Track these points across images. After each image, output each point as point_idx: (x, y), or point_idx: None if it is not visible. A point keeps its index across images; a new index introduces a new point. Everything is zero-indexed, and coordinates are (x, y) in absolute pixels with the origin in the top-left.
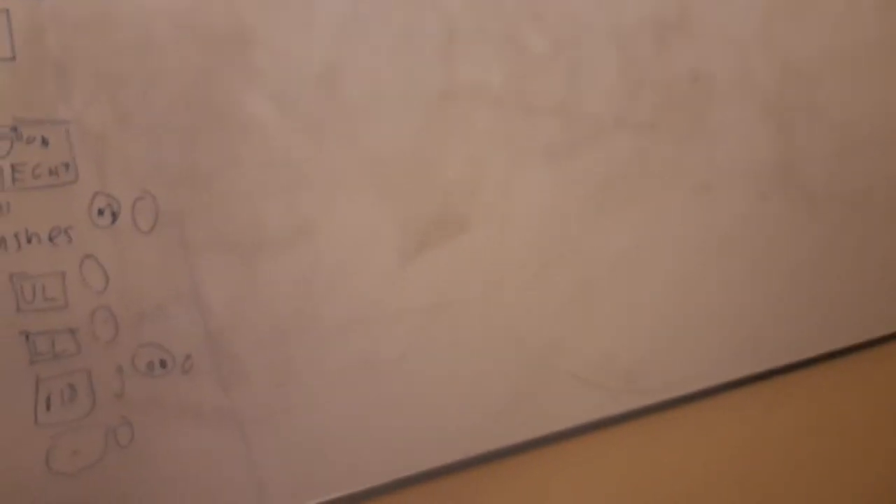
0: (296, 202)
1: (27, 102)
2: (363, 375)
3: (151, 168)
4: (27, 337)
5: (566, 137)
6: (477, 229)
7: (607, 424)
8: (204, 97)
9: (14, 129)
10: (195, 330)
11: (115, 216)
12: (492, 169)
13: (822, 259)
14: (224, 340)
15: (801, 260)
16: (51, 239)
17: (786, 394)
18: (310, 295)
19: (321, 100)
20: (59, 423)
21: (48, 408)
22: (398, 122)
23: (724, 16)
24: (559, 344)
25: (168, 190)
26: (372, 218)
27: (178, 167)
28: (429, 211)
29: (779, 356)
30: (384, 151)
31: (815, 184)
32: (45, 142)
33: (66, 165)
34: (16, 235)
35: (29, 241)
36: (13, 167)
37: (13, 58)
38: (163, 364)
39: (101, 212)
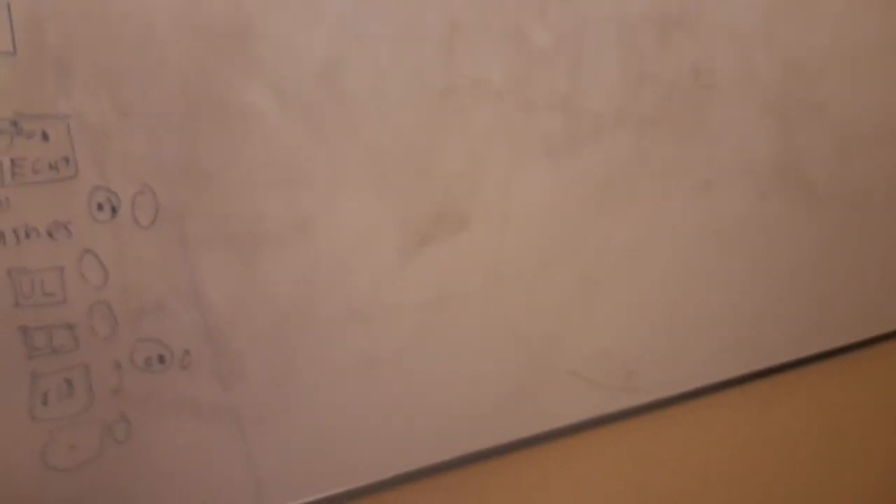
0: (296, 198)
1: (27, 97)
2: (362, 372)
3: (151, 163)
4: (25, 332)
5: (567, 133)
6: (477, 226)
7: (606, 422)
8: (204, 91)
9: (14, 123)
10: (194, 326)
11: (114, 211)
12: (492, 165)
13: (822, 258)
14: (223, 336)
15: (801, 258)
16: (50, 234)
17: (783, 392)
18: (309, 291)
19: (322, 95)
20: (56, 419)
21: (45, 403)
22: (399, 117)
23: (727, 12)
24: (558, 341)
25: (168, 185)
26: (372, 214)
27: (179, 162)
28: (429, 207)
29: (777, 354)
30: (385, 147)
31: (816, 182)
32: (45, 136)
33: (66, 160)
34: (14, 230)
35: (28, 235)
36: (13, 161)
37: (13, 52)
38: (161, 360)
39: (100, 206)
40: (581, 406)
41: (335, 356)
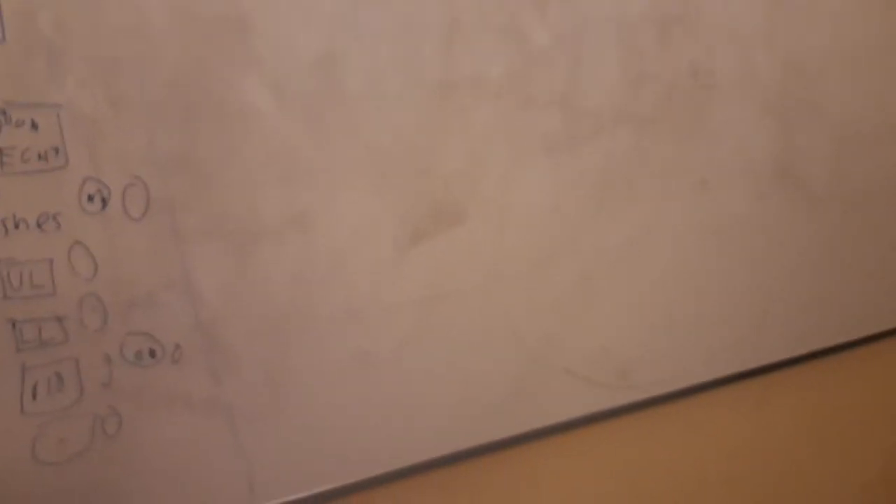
0: (291, 191)
1: (17, 85)
2: (358, 369)
3: (144, 155)
4: (13, 324)
5: (566, 131)
6: (475, 222)
7: (601, 419)
8: (200, 85)
9: (3, 112)
10: (186, 319)
11: (104, 202)
12: (491, 162)
13: (819, 257)
14: (215, 331)
15: (799, 257)
16: (39, 225)
17: (780, 390)
18: (304, 286)
19: (319, 91)
20: (45, 412)
21: (34, 396)
22: (398, 114)
23: (726, 12)
24: (556, 339)
25: (160, 177)
26: (369, 209)
27: (171, 154)
28: (427, 203)
29: (773, 353)
30: (382, 142)
31: (814, 182)
32: (34, 125)
33: (56, 150)
34: (3, 221)
35: (17, 226)
36: (1, 151)
37: (3, 39)
38: (152, 353)
39: (90, 198)
40: (577, 403)
41: (331, 353)
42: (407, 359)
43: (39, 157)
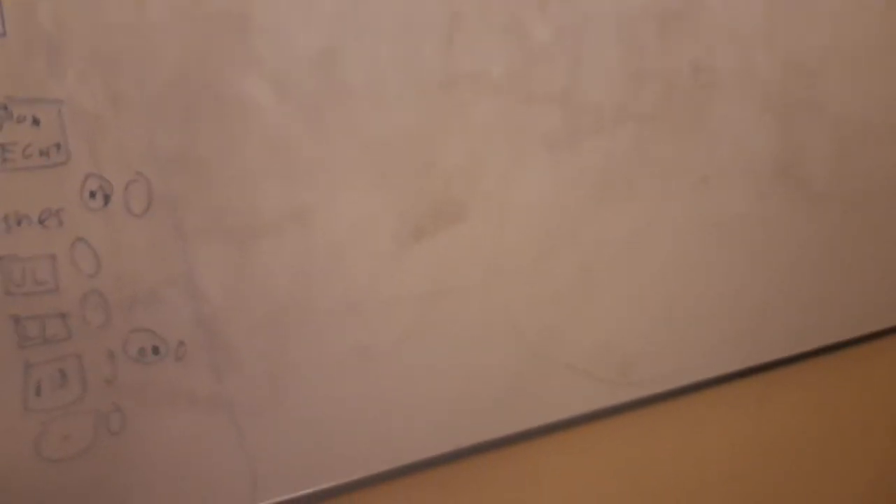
0: (292, 187)
1: (18, 80)
2: (359, 364)
3: (145, 150)
4: (16, 321)
5: (567, 127)
6: (476, 218)
7: (603, 416)
8: (200, 80)
9: (4, 107)
10: (188, 316)
11: (107, 199)
12: (491, 157)
13: (820, 254)
14: (217, 327)
15: (799, 255)
16: (41, 221)
17: (781, 387)
18: (305, 282)
19: (320, 86)
20: (48, 409)
21: (38, 393)
22: (398, 108)
23: (727, 10)
24: (556, 334)
25: (162, 173)
26: (369, 205)
27: (173, 150)
28: (427, 199)
29: (773, 350)
30: (383, 138)
31: (815, 180)
32: (36, 121)
33: (58, 146)
34: (5, 217)
35: (19, 223)
36: (3, 147)
37: (4, 34)
38: (155, 350)
39: (92, 194)
40: (579, 399)
41: (332, 348)
42: (407, 354)
43: (41, 153)
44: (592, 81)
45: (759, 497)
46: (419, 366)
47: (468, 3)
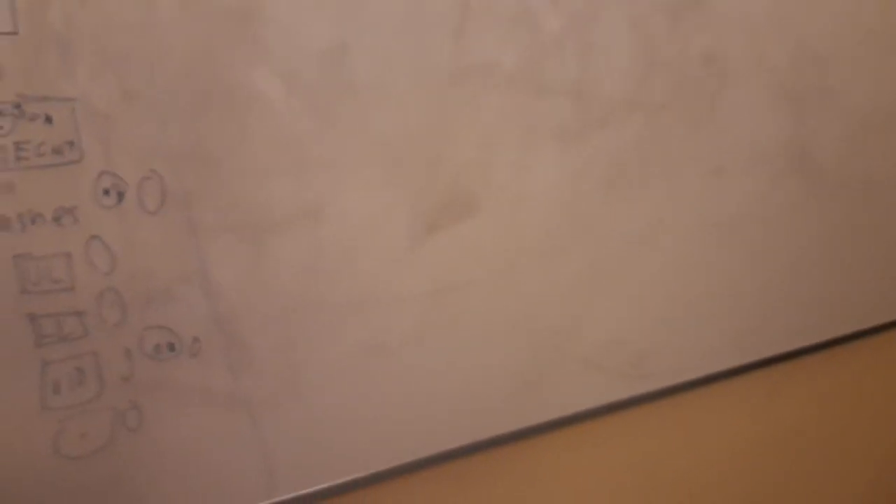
0: (304, 183)
1: (31, 79)
2: (372, 359)
3: (158, 147)
4: (33, 319)
5: (578, 119)
6: (487, 212)
7: (615, 409)
8: (211, 76)
9: (17, 105)
10: (203, 313)
11: (121, 196)
12: (502, 150)
13: (834, 245)
14: (232, 323)
15: (812, 245)
16: (56, 219)
17: (793, 379)
18: (318, 277)
19: (329, 80)
20: (66, 407)
21: (56, 391)
22: (408, 101)
23: None
24: (568, 328)
25: (175, 169)
26: (381, 199)
27: (186, 147)
28: (439, 193)
29: (787, 342)
30: (394, 131)
31: (828, 169)
32: (48, 119)
33: (71, 144)
34: (20, 216)
35: (33, 221)
36: (17, 145)
37: (15, 32)
38: (171, 347)
39: (106, 192)
40: (591, 393)
41: (346, 344)
42: (421, 349)
43: (55, 150)
44: (603, 72)
45: (771, 489)
46: (433, 360)
47: None
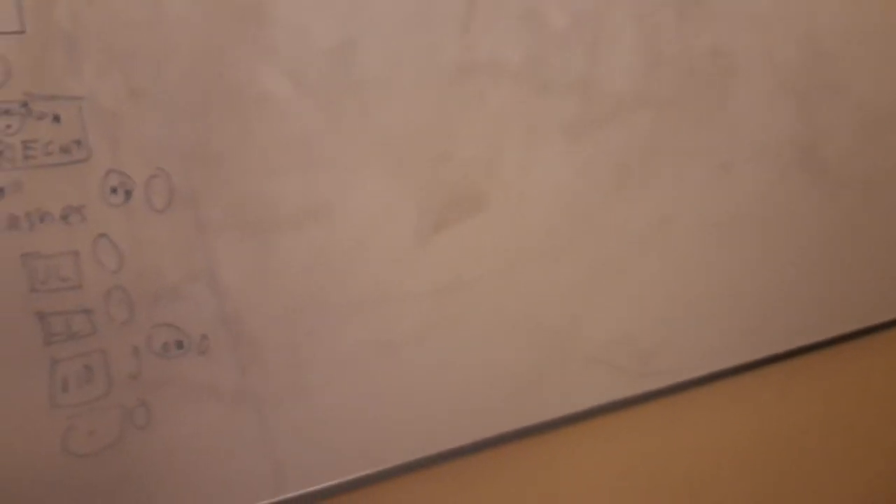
0: (311, 180)
1: (38, 77)
2: (377, 357)
3: (165, 146)
4: (42, 318)
5: (585, 114)
6: (494, 208)
7: (622, 406)
8: (218, 72)
9: (24, 104)
10: (211, 310)
11: (128, 194)
12: (509, 147)
13: (842, 240)
14: (240, 321)
15: (821, 241)
16: (64, 218)
17: (801, 376)
18: (325, 275)
19: (336, 77)
20: (75, 405)
21: (65, 389)
22: (414, 98)
23: None
24: (575, 325)
25: (182, 168)
26: (388, 197)
27: (193, 144)
28: (445, 189)
29: (795, 338)
30: (400, 129)
31: (836, 163)
32: (56, 118)
33: (79, 142)
34: (28, 214)
35: (42, 219)
36: (24, 144)
37: (22, 31)
38: (179, 345)
39: (114, 190)
40: (598, 390)
41: (353, 342)
42: (428, 347)
43: (62, 149)
44: (610, 68)
45: (776, 487)
46: (439, 358)
47: None
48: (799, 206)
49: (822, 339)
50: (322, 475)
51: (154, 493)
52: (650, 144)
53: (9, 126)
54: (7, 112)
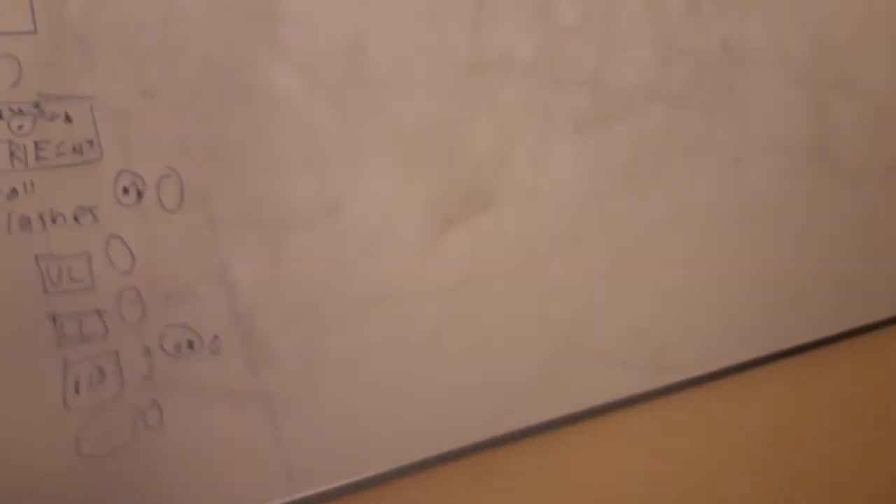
0: (322, 178)
1: (50, 77)
2: (391, 355)
3: (176, 145)
4: (54, 319)
5: (596, 109)
6: (505, 204)
7: (635, 402)
8: (229, 72)
9: (36, 105)
10: (223, 310)
11: (140, 195)
12: (520, 142)
13: (855, 233)
14: (252, 320)
15: (834, 234)
16: (76, 218)
17: (813, 370)
18: (338, 274)
19: (347, 72)
20: (88, 406)
21: (77, 391)
22: (425, 94)
23: None
24: (587, 321)
25: (194, 168)
26: (399, 194)
27: (204, 143)
28: (457, 186)
29: (808, 332)
30: (411, 125)
31: (849, 157)
32: (68, 118)
33: (91, 143)
34: (41, 215)
35: (54, 220)
36: (36, 144)
37: (34, 31)
38: (190, 345)
39: (126, 190)
40: (611, 386)
41: (365, 339)
42: (440, 344)
43: (74, 150)
44: (621, 62)
45: (795, 480)
46: (452, 356)
47: None
48: (812, 200)
49: (836, 332)
50: (334, 475)
51: (167, 493)
52: (662, 139)
53: (21, 126)
54: (19, 112)
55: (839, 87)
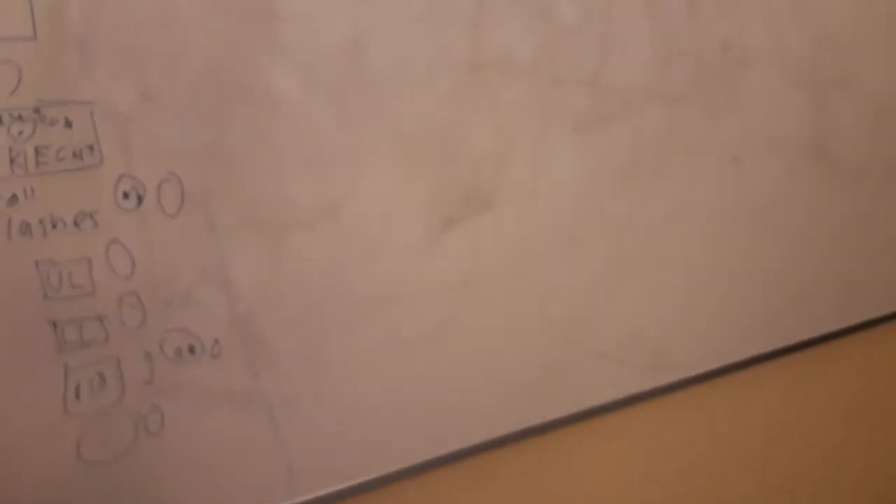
0: (322, 178)
1: (50, 83)
2: (392, 356)
3: (177, 149)
4: (55, 325)
5: (596, 109)
6: (505, 205)
7: (635, 401)
8: (230, 75)
9: (36, 110)
10: (223, 314)
11: (140, 199)
12: (520, 142)
13: (855, 231)
14: (252, 324)
15: (834, 232)
16: (76, 224)
17: (814, 368)
18: (339, 275)
19: (347, 72)
20: (88, 412)
21: (78, 396)
22: (425, 95)
23: None
24: (587, 320)
25: (194, 171)
26: (399, 194)
27: (204, 147)
28: (457, 186)
29: (807, 330)
30: (411, 126)
31: (849, 157)
32: (68, 123)
33: (91, 148)
34: (41, 221)
35: (54, 226)
36: (37, 150)
37: (34, 36)
38: (191, 349)
39: (126, 195)
40: (611, 386)
41: (365, 340)
42: (440, 345)
43: (74, 155)
44: (621, 62)
45: (798, 477)
46: (452, 356)
47: None
48: (812, 199)
49: (836, 329)
50: (335, 475)
51: (168, 498)
52: (662, 139)
53: (21, 132)
54: (19, 118)
55: (839, 87)
